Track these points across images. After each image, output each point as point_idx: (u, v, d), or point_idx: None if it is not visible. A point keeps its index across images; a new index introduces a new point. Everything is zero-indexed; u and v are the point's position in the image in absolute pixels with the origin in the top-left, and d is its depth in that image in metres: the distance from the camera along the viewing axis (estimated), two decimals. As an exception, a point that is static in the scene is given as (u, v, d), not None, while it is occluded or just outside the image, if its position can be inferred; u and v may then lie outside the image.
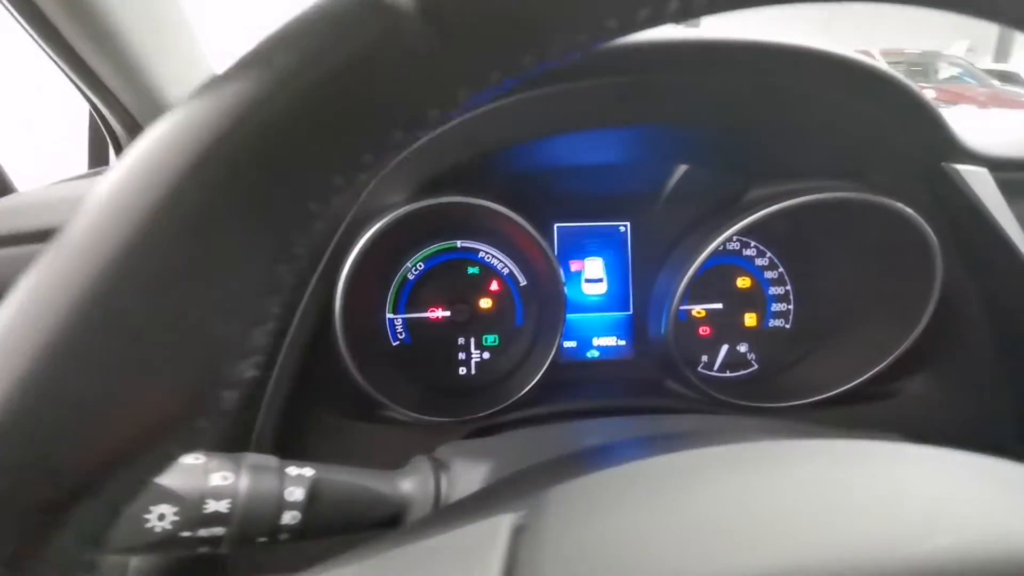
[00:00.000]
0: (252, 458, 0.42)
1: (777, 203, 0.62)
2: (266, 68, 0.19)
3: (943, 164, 0.57)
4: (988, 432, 0.67)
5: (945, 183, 0.58)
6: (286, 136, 0.19)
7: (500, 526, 0.27)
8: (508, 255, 0.80)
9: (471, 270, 0.80)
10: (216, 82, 0.19)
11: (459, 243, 0.79)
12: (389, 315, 0.78)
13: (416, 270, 0.79)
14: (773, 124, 0.59)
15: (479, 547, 0.26)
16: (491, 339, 0.80)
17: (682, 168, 0.74)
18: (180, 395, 0.20)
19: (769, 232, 0.80)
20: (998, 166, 0.58)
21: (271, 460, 0.42)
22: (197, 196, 0.18)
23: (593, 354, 0.83)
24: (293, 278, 0.22)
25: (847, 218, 0.65)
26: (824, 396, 0.71)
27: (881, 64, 0.50)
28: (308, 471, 0.43)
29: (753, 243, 0.81)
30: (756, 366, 0.83)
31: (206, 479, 0.39)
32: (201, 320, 0.19)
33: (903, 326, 0.64)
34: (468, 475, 0.49)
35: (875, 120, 0.55)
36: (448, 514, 0.31)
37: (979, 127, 0.59)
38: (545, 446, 0.53)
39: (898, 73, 0.50)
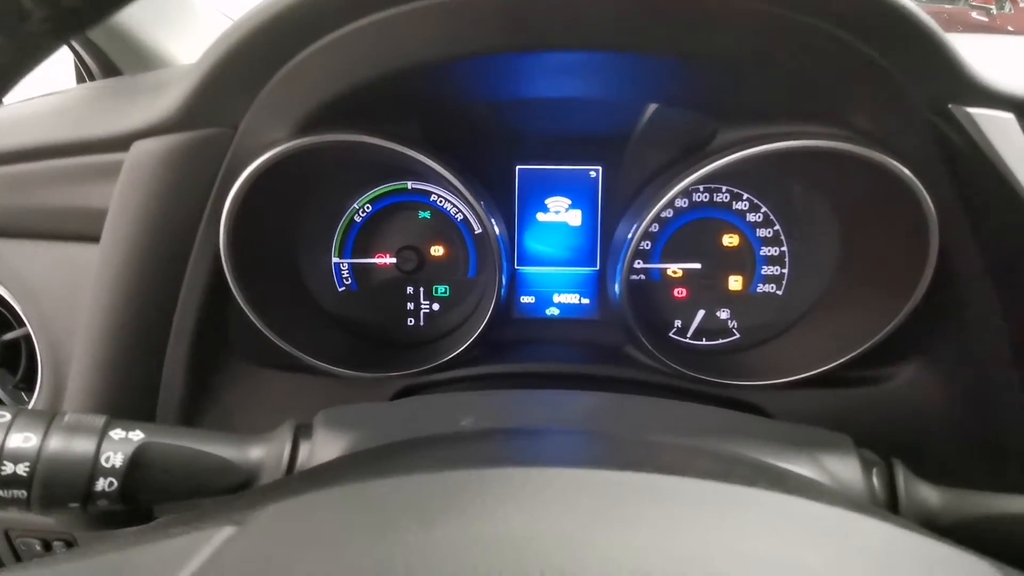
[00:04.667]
0: (71, 418, 0.39)
1: (741, 150, 0.51)
2: None
3: (950, 107, 0.45)
4: (989, 435, 0.57)
5: (952, 130, 0.45)
6: None
7: (218, 535, 0.24)
8: (462, 200, 0.73)
9: (423, 215, 0.74)
10: None
11: (410, 184, 0.73)
12: (335, 259, 0.74)
13: (363, 212, 0.73)
14: (743, 55, 0.48)
15: (183, 553, 0.23)
16: (441, 290, 0.75)
17: (652, 107, 0.64)
18: None
19: (758, 183, 0.68)
20: (1028, 109, 0.45)
21: (94, 421, 0.40)
22: None
23: (553, 312, 0.76)
24: None
25: (832, 171, 0.54)
26: (799, 377, 0.62)
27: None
28: (137, 435, 0.40)
29: (746, 196, 0.70)
30: (737, 335, 0.73)
31: (4, 439, 0.36)
32: None
33: (893, 302, 0.54)
34: (331, 444, 0.45)
35: (862, 51, 0.43)
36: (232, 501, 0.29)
37: (1009, 60, 0.46)
38: (427, 419, 0.48)
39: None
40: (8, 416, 0.37)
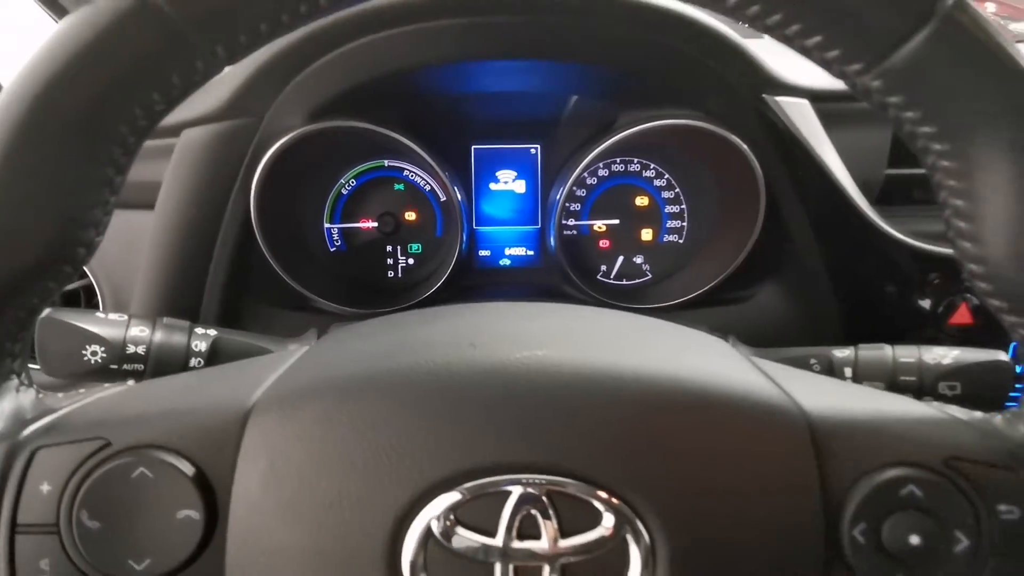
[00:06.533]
0: (166, 320, 0.56)
1: (625, 130, 0.71)
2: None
3: (763, 96, 0.65)
4: (821, 336, 0.78)
5: (770, 112, 0.66)
6: (89, 80, 0.29)
7: (298, 351, 0.41)
8: (429, 174, 0.91)
9: (398, 187, 0.92)
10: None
11: (386, 162, 0.91)
12: (326, 225, 0.92)
13: (349, 186, 0.91)
14: (626, 62, 0.67)
15: (275, 362, 0.40)
16: (415, 247, 0.93)
17: (574, 97, 0.83)
18: (47, 245, 0.32)
19: (660, 155, 0.88)
20: (818, 97, 0.66)
21: (183, 322, 0.57)
22: (38, 129, 0.30)
23: (505, 262, 0.95)
24: (122, 176, 0.34)
25: (701, 144, 0.74)
26: (690, 297, 0.82)
27: (685, 7, 0.57)
28: (212, 332, 0.58)
29: (652, 165, 0.90)
30: (649, 276, 0.93)
31: (127, 330, 0.54)
32: (55, 199, 0.32)
33: (742, 240, 0.74)
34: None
35: (697, 57, 0.63)
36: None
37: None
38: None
39: (703, 13, 0.58)
40: (125, 316, 0.54)
